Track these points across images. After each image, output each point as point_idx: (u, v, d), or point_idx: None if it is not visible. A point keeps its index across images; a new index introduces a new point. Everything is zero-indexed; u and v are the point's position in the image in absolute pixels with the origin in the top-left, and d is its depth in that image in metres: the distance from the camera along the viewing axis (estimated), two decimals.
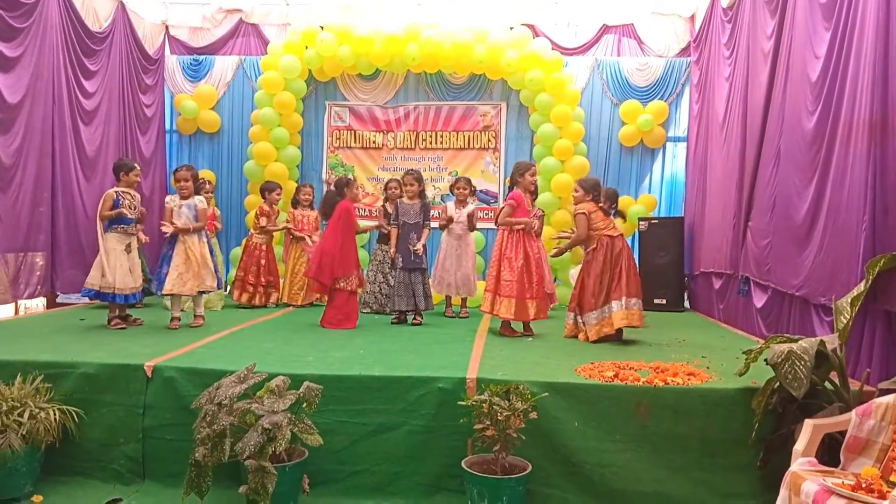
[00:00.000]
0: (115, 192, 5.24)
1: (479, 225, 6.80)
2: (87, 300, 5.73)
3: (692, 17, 7.76)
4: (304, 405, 3.33)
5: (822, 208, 4.22)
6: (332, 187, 6.12)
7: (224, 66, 8.23)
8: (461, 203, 6.50)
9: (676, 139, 7.97)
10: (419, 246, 5.82)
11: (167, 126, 8.32)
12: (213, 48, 8.35)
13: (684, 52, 7.88)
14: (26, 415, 3.43)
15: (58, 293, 6.55)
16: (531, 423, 3.31)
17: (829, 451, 2.87)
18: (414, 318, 5.87)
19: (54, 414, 3.52)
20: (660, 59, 7.87)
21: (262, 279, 6.84)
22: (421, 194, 6.01)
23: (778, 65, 5.08)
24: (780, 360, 3.05)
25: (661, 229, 7.20)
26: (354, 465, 3.61)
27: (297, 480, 3.36)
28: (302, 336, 5.11)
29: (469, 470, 3.29)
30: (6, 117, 5.69)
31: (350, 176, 7.06)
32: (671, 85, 7.82)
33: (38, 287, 6.22)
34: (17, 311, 6.42)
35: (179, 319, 5.38)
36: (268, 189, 7.09)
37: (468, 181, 6.59)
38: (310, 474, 3.44)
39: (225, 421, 3.16)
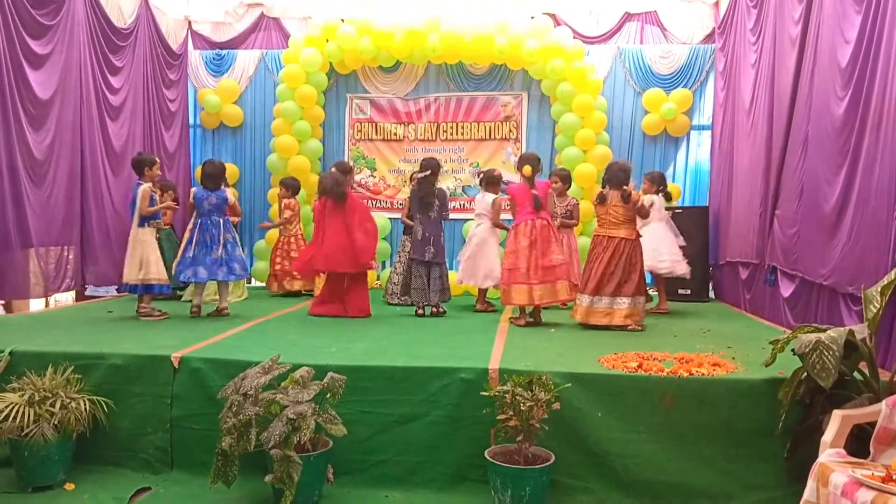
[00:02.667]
0: (150, 187, 5.32)
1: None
2: (115, 293, 5.83)
3: (716, 4, 7.63)
4: (328, 395, 3.35)
5: (851, 196, 4.14)
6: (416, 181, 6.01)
7: (246, 60, 8.29)
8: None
9: (700, 127, 7.86)
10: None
11: (191, 121, 8.41)
12: (235, 42, 8.42)
13: (708, 38, 7.75)
14: (58, 405, 3.50)
15: (87, 286, 6.68)
16: (554, 413, 3.30)
17: (858, 442, 2.82)
18: (426, 310, 5.89)
19: (85, 404, 3.59)
20: (683, 47, 7.76)
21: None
22: (420, 183, 5.93)
23: (806, 50, 4.98)
24: (807, 350, 3.00)
25: (686, 218, 7.10)
26: (378, 455, 3.64)
27: (321, 470, 3.39)
28: (325, 327, 5.14)
29: (492, 460, 3.30)
30: (38, 114, 5.80)
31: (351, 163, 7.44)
32: (695, 73, 7.71)
33: (70, 280, 6.36)
34: (47, 304, 6.55)
35: (199, 307, 5.49)
36: (284, 185, 7.31)
37: (490, 173, 6.49)
38: (334, 464, 3.47)
39: (250, 411, 3.20)
